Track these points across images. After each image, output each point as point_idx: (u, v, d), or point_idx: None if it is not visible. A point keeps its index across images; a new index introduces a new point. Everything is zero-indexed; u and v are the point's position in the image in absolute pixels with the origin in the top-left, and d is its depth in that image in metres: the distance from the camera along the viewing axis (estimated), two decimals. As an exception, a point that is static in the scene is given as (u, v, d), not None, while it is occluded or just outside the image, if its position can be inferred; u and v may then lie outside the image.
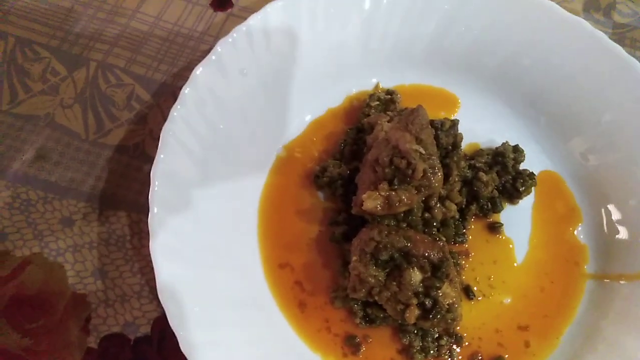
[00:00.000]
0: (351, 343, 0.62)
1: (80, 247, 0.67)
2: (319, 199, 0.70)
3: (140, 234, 0.68)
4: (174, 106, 0.63)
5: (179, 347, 0.54)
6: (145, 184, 0.70)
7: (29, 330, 0.61)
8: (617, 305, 0.63)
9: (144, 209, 0.68)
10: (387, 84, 0.77)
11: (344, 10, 0.73)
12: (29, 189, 0.70)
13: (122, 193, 0.70)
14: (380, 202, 0.59)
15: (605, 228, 0.69)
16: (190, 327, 0.54)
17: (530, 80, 0.74)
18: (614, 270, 0.66)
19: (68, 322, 0.62)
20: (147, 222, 0.58)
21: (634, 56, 0.82)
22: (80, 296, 0.64)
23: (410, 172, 0.59)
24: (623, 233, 0.67)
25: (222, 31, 0.83)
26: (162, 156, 0.60)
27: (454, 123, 0.69)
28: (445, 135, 0.68)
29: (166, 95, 0.77)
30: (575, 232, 0.69)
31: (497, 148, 0.71)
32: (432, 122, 0.67)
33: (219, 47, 0.67)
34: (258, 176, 0.70)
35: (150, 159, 0.71)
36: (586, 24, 0.71)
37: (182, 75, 0.78)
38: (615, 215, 0.69)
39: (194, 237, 0.61)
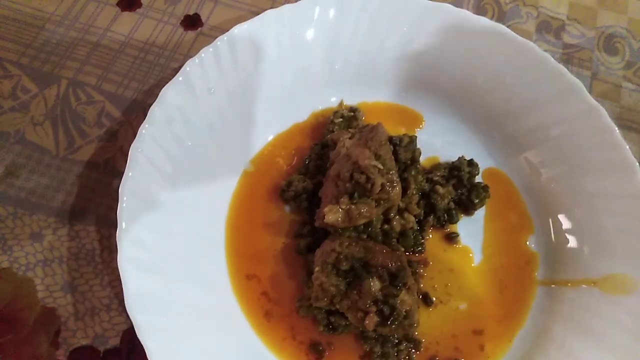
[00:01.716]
0: (315, 350, 0.65)
1: (50, 261, 0.68)
2: (285, 212, 0.73)
3: (109, 248, 0.69)
4: (143, 124, 0.65)
5: (147, 358, 0.56)
6: (115, 199, 0.71)
7: (-2, 344, 0.62)
8: (565, 309, 0.68)
9: (114, 224, 0.70)
10: (351, 101, 0.81)
11: (308, 33, 0.77)
12: (-2, 205, 0.71)
13: (92, 208, 0.72)
14: (341, 215, 0.62)
15: (553, 237, 0.73)
16: (157, 338, 0.56)
17: (485, 98, 0.79)
18: (561, 276, 0.70)
19: (37, 335, 0.63)
20: (116, 236, 0.60)
21: (581, 74, 0.89)
22: (50, 310, 0.65)
23: (369, 186, 0.62)
24: (571, 242, 0.72)
25: (192, 49, 0.85)
26: (130, 174, 0.62)
27: (412, 139, 0.73)
28: (404, 150, 0.72)
29: (137, 112, 0.79)
30: (527, 242, 0.73)
31: (453, 162, 0.75)
32: (391, 139, 0.71)
33: (187, 67, 0.69)
34: (226, 190, 0.72)
35: (119, 175, 0.73)
36: (533, 46, 0.76)
37: (152, 93, 0.81)
38: (564, 224, 0.73)
39: (162, 251, 0.63)
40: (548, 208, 0.74)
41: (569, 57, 0.91)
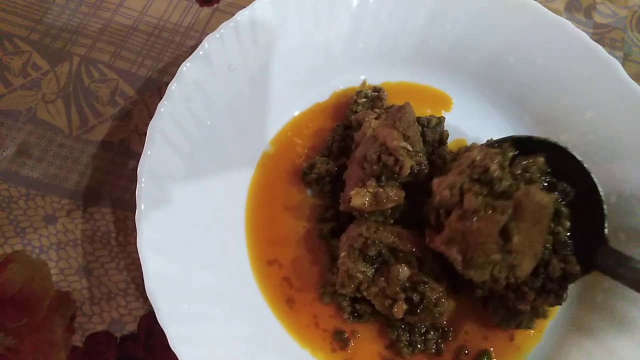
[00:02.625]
0: (340, 338, 0.62)
1: (65, 244, 0.66)
2: (307, 196, 0.70)
3: (125, 231, 0.67)
4: (161, 102, 0.62)
5: (166, 345, 0.53)
6: (130, 180, 0.69)
7: (13, 329, 0.60)
8: (599, 299, 0.65)
9: (129, 206, 0.68)
10: (374, 80, 0.78)
11: (331, 8, 0.73)
12: (10, 186, 0.68)
13: (107, 190, 0.69)
14: (368, 199, 0.60)
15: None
16: (178, 324, 0.54)
17: (515, 78, 0.75)
18: (595, 264, 0.67)
19: (52, 320, 0.61)
20: (133, 218, 0.58)
21: (613, 55, 0.84)
22: (65, 294, 0.63)
23: (397, 168, 0.59)
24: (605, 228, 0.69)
25: (207, 26, 0.82)
26: (148, 152, 0.59)
27: (440, 120, 0.70)
28: (431, 132, 0.69)
29: (151, 90, 0.76)
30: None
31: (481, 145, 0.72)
32: (418, 119, 0.68)
33: (206, 43, 0.66)
34: (245, 172, 0.69)
35: (135, 155, 0.71)
36: (568, 24, 0.72)
37: (167, 71, 0.78)
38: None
39: (181, 234, 0.60)
40: (581, 194, 0.71)
41: (600, 37, 0.87)
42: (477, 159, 0.56)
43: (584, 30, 0.86)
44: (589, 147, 0.72)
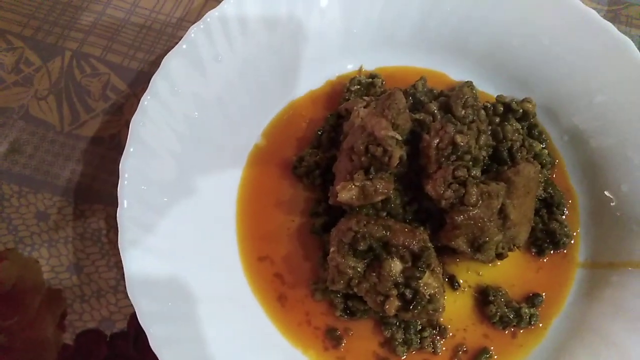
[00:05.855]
0: (332, 336, 0.60)
1: (56, 241, 0.65)
2: (299, 189, 0.68)
3: (116, 228, 0.64)
4: (144, 96, 0.60)
5: (154, 344, 0.53)
6: (121, 176, 0.68)
7: (4, 327, 0.60)
8: (607, 294, 0.61)
9: (120, 202, 0.67)
10: (372, 67, 0.75)
11: (322, -7, 0.70)
12: (2, 183, 0.68)
13: (98, 186, 0.68)
14: (355, 193, 0.57)
15: (597, 214, 0.66)
16: (162, 325, 0.53)
17: (520, 61, 0.71)
18: (604, 258, 0.64)
19: (43, 318, 0.61)
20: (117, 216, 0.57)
21: (629, 34, 0.79)
22: (56, 292, 0.63)
23: (386, 159, 0.57)
24: (615, 220, 0.65)
25: (200, 17, 0.79)
26: (131, 149, 0.58)
27: (423, 78, 0.70)
28: (424, 94, 0.68)
29: (143, 84, 0.75)
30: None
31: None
32: (405, 91, 0.65)
33: (192, 34, 0.64)
34: (236, 166, 0.68)
35: (125, 151, 0.70)
36: (576, 1, 0.68)
37: (159, 64, 0.75)
38: (608, 201, 0.66)
39: (167, 231, 0.59)
40: (591, 182, 0.67)
41: (616, 14, 0.82)
42: (438, 142, 0.57)
43: (597, 8, 0.81)
44: (601, 133, 0.67)
